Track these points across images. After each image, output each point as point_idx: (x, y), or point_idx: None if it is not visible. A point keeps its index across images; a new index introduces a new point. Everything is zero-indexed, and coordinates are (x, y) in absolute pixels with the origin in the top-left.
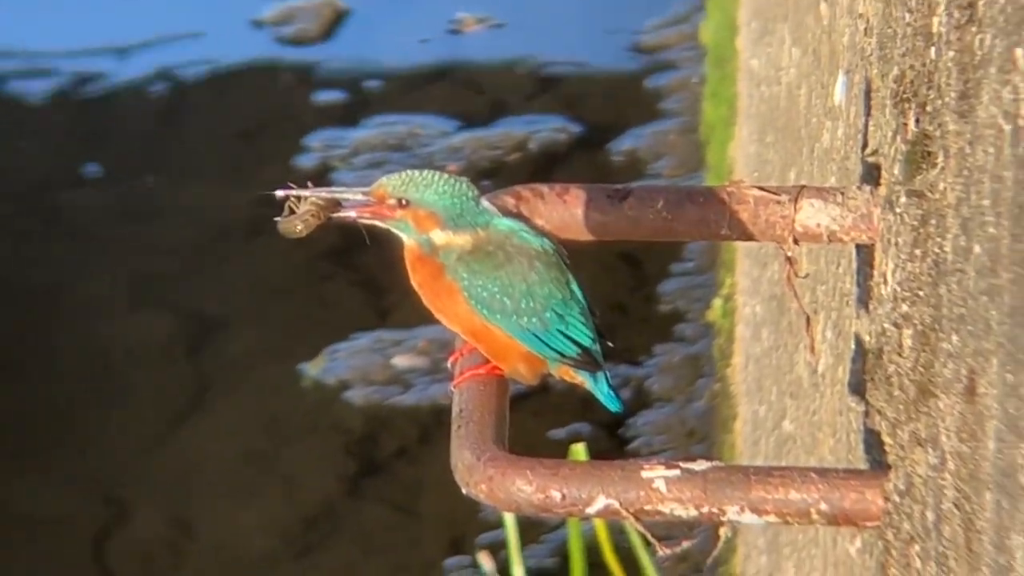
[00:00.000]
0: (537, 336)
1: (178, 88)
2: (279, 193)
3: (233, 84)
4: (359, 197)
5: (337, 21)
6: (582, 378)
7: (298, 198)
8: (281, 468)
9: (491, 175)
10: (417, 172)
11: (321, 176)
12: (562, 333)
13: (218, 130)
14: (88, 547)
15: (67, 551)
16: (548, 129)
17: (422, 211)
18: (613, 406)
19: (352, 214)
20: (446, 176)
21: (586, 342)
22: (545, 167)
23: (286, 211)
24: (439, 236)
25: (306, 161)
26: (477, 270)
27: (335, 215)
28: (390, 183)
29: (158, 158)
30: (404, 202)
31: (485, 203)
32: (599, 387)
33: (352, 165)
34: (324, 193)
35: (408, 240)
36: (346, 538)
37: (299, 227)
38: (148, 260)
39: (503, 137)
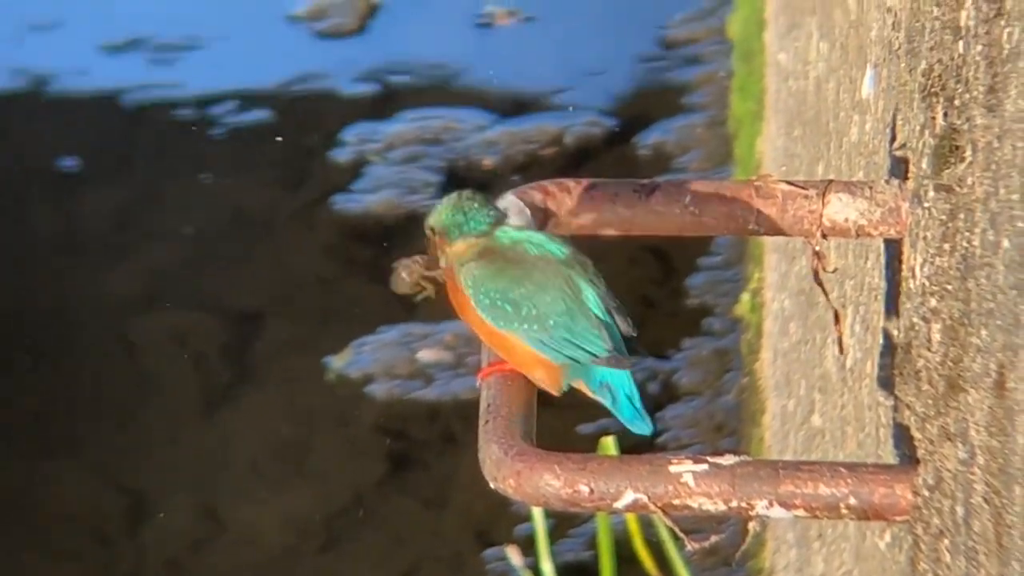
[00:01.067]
0: (543, 342)
1: (210, 83)
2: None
3: (266, 78)
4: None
5: (370, 14)
6: (600, 398)
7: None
8: (309, 461)
9: (526, 169)
10: (442, 201)
11: (356, 170)
12: (568, 340)
13: (250, 125)
14: (116, 538)
15: (94, 542)
16: (582, 123)
17: (437, 236)
18: (638, 429)
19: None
20: (452, 196)
21: (597, 350)
22: (578, 161)
23: (403, 279)
24: (449, 251)
25: (341, 155)
26: (479, 277)
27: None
28: (429, 221)
29: (189, 152)
30: (433, 231)
31: (501, 208)
32: (620, 409)
33: (388, 160)
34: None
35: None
36: (375, 531)
37: (429, 291)
38: (175, 252)
39: (538, 131)
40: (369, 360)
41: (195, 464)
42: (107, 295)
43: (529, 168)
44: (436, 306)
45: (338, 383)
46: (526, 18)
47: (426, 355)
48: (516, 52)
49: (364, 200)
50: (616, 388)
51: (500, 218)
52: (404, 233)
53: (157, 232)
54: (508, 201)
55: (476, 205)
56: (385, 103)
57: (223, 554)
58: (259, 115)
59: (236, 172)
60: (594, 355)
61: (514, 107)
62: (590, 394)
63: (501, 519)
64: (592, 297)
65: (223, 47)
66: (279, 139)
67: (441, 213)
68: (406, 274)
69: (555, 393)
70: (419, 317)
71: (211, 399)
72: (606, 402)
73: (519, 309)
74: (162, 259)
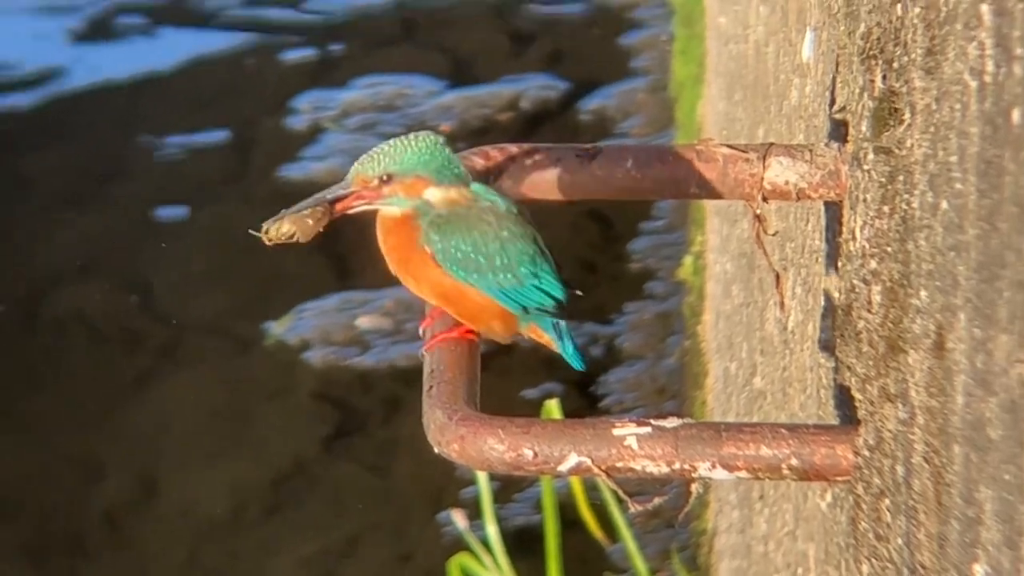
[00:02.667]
0: (514, 291)
1: (146, 49)
2: (269, 231)
3: (202, 45)
4: (342, 192)
5: None
6: (550, 337)
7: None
8: (249, 428)
9: (483, 134)
10: (387, 144)
11: (312, 136)
12: (536, 287)
13: (194, 91)
14: (53, 509)
15: (32, 514)
16: (537, 87)
17: (408, 178)
18: (577, 364)
19: (350, 207)
20: (412, 136)
21: (559, 294)
22: (529, 126)
23: (277, 230)
24: (433, 194)
25: (296, 123)
26: (448, 231)
27: (333, 215)
28: (365, 167)
29: (133, 119)
30: (386, 177)
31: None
32: (564, 346)
33: (344, 127)
34: (307, 207)
35: (399, 211)
36: (317, 497)
37: (299, 239)
38: (113, 222)
39: (492, 96)
40: (309, 326)
41: (134, 433)
42: (42, 267)
43: (487, 133)
44: (376, 272)
45: (277, 349)
46: None
47: (365, 322)
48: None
49: (310, 168)
50: (563, 327)
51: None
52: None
53: (95, 202)
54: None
55: (447, 148)
56: (331, 69)
57: (164, 523)
58: (205, 82)
59: (180, 140)
60: (557, 299)
61: (463, 72)
62: (539, 335)
63: (445, 484)
64: (543, 245)
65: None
66: (227, 106)
67: (414, 154)
68: (304, 239)
69: (505, 342)
70: (359, 284)
71: (148, 368)
72: (555, 341)
73: (492, 259)
74: (97, 230)
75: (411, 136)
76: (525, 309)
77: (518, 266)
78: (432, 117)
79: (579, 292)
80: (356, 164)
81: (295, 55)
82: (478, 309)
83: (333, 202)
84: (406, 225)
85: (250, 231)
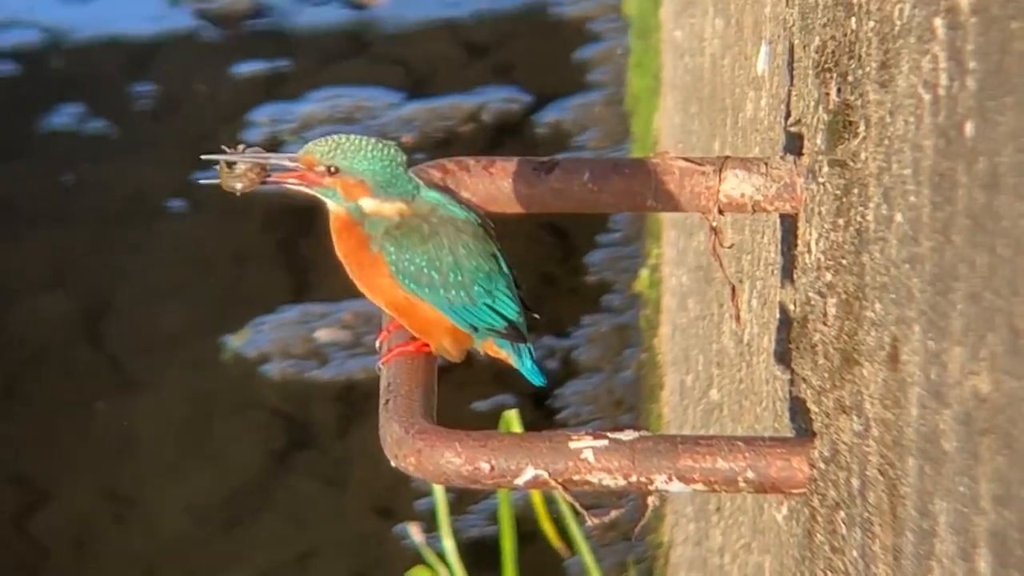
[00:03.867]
0: (465, 310)
1: (98, 63)
2: (215, 157)
3: (159, 59)
4: (288, 163)
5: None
6: (506, 353)
7: (231, 163)
8: (206, 442)
9: (444, 146)
10: (346, 137)
11: (271, 149)
12: (489, 307)
13: (152, 106)
14: (13, 528)
15: None
16: (499, 99)
17: (351, 179)
18: (537, 380)
19: (285, 181)
20: (375, 141)
21: (512, 315)
22: (497, 137)
23: (221, 173)
24: (368, 204)
25: (254, 136)
26: (404, 244)
27: (267, 180)
28: (318, 149)
29: (89, 135)
30: (333, 169)
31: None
32: (523, 362)
33: (304, 139)
34: (256, 159)
35: (335, 208)
36: (274, 511)
37: (238, 185)
38: (70, 235)
39: (454, 108)
40: (267, 340)
41: (93, 450)
42: (2, 277)
43: (449, 145)
44: (336, 284)
45: (235, 363)
46: None
47: (324, 335)
48: (404, 27)
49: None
50: (530, 350)
51: (428, 189)
52: (309, 212)
53: (51, 215)
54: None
55: (402, 163)
56: (287, 83)
57: (122, 539)
58: (157, 92)
59: (137, 153)
60: (509, 321)
61: (418, 84)
62: (495, 352)
63: (402, 496)
64: (504, 261)
65: (105, 23)
66: (185, 119)
67: (366, 158)
68: (240, 184)
69: (456, 360)
70: (318, 297)
71: (108, 382)
72: (511, 357)
73: (446, 276)
74: (59, 242)
75: (373, 141)
76: (475, 328)
77: (472, 284)
78: (393, 129)
79: (536, 315)
80: (311, 144)
81: (249, 68)
82: (429, 323)
83: (273, 170)
84: (355, 230)
85: (203, 156)
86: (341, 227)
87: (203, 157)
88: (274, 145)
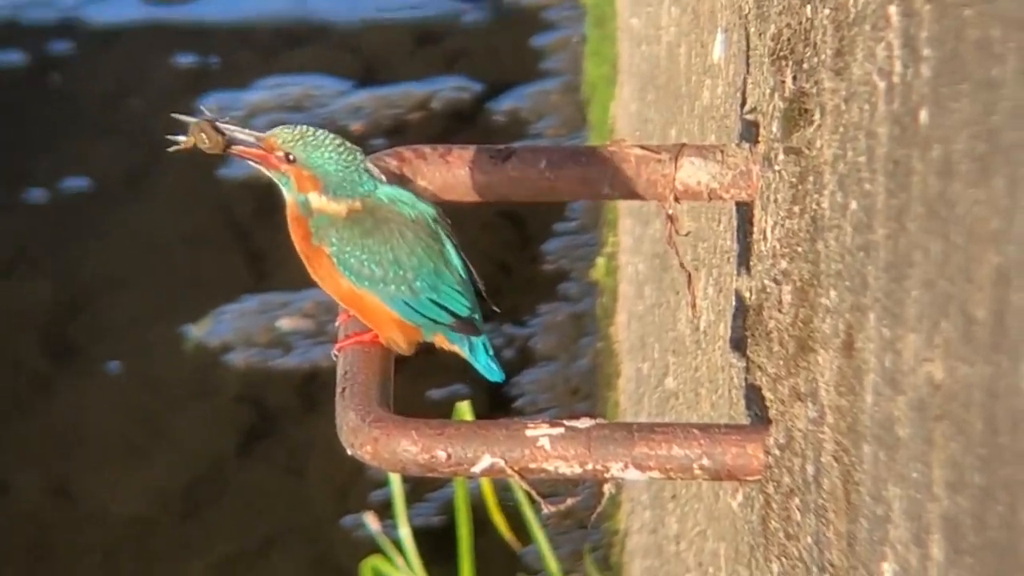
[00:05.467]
0: (407, 303)
1: (48, 50)
2: (184, 118)
3: (106, 46)
4: (251, 139)
5: None
6: (458, 347)
7: (200, 127)
8: (166, 431)
9: (394, 134)
10: (311, 130)
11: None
12: (433, 301)
13: (98, 92)
14: None
15: None
16: (450, 88)
17: (305, 171)
18: (492, 376)
19: (247, 156)
20: (339, 143)
21: (461, 310)
22: (439, 127)
23: (191, 130)
24: (316, 200)
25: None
26: (346, 237)
27: (229, 150)
28: (282, 135)
29: (40, 121)
30: (291, 157)
31: (371, 168)
32: (476, 357)
33: (252, 127)
34: (225, 127)
35: (287, 196)
36: (233, 500)
37: (203, 146)
38: (27, 223)
39: (404, 96)
40: (228, 328)
41: (46, 438)
42: None
43: (398, 133)
44: (295, 273)
45: (196, 352)
46: None
47: (286, 323)
48: (355, 15)
49: (237, 168)
50: (474, 338)
51: (378, 178)
52: (267, 200)
53: (6, 202)
54: (367, 174)
55: (360, 165)
56: (234, 71)
57: (79, 527)
58: (102, 83)
59: (93, 139)
60: (457, 315)
61: (369, 72)
62: (447, 346)
63: (359, 485)
64: (455, 255)
65: (50, 10)
66: (130, 106)
67: (324, 156)
68: (208, 144)
69: (407, 353)
70: (277, 286)
71: (65, 370)
72: (464, 351)
73: (386, 271)
74: (11, 229)
75: (337, 141)
76: (425, 320)
77: (415, 279)
78: (342, 117)
79: (496, 309)
80: (279, 129)
81: (197, 56)
82: (375, 315)
83: (235, 142)
84: (302, 221)
85: (174, 115)
86: (292, 218)
87: (173, 115)
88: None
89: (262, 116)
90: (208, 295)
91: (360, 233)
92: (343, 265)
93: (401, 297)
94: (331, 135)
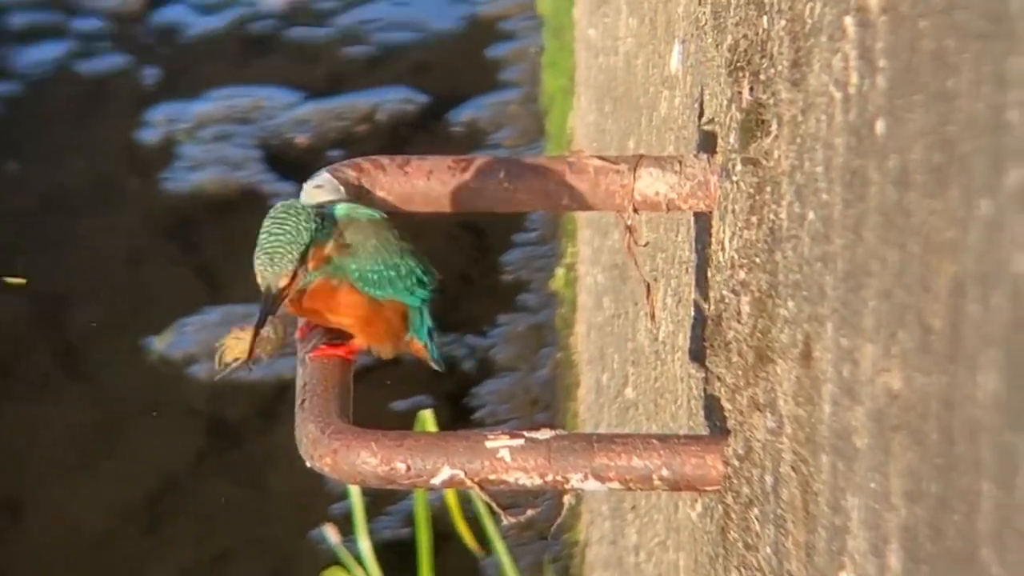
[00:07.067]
0: (420, 288)
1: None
2: (227, 365)
3: (50, 57)
4: (272, 306)
5: None
6: (422, 343)
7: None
8: (126, 444)
9: (340, 146)
10: (263, 251)
11: (166, 150)
12: (424, 281)
13: (43, 105)
14: None
15: None
16: (395, 100)
17: (307, 259)
18: (440, 366)
19: (294, 313)
20: (284, 215)
21: (432, 281)
22: (393, 138)
23: (225, 360)
24: (324, 257)
25: (149, 135)
26: (360, 260)
27: (263, 329)
28: (267, 276)
29: None
30: (293, 273)
31: (317, 193)
32: (431, 349)
33: (198, 139)
34: (251, 331)
35: (318, 279)
36: (192, 514)
37: (271, 342)
38: None
39: (349, 108)
40: (191, 341)
41: (3, 453)
42: None
43: (344, 145)
44: (250, 286)
45: (159, 364)
46: None
47: None
48: (313, 29)
49: (188, 179)
50: (432, 332)
51: (330, 208)
52: (226, 210)
53: None
54: (323, 179)
55: (308, 209)
56: (186, 82)
57: (36, 542)
58: (60, 94)
59: (46, 155)
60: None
61: (321, 85)
62: (417, 347)
63: (319, 498)
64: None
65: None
66: (78, 119)
67: (296, 239)
68: (267, 358)
69: (389, 356)
70: (235, 298)
71: (26, 384)
72: (428, 347)
73: (399, 269)
74: None
75: (291, 211)
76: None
77: (415, 266)
78: (288, 129)
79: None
80: (263, 271)
81: (145, 67)
82: (389, 323)
83: (267, 315)
84: (324, 282)
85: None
86: (318, 288)
87: (224, 367)
88: (170, 144)
89: (210, 127)
90: (165, 308)
91: (366, 252)
92: (366, 284)
93: (415, 286)
94: (269, 230)
